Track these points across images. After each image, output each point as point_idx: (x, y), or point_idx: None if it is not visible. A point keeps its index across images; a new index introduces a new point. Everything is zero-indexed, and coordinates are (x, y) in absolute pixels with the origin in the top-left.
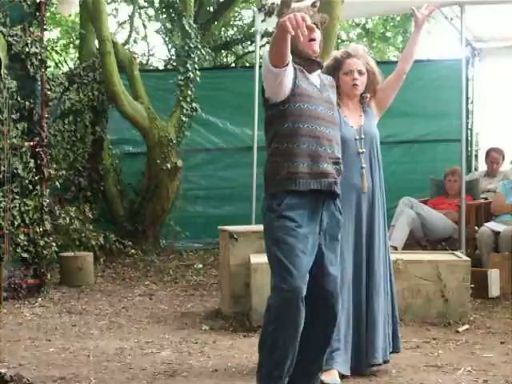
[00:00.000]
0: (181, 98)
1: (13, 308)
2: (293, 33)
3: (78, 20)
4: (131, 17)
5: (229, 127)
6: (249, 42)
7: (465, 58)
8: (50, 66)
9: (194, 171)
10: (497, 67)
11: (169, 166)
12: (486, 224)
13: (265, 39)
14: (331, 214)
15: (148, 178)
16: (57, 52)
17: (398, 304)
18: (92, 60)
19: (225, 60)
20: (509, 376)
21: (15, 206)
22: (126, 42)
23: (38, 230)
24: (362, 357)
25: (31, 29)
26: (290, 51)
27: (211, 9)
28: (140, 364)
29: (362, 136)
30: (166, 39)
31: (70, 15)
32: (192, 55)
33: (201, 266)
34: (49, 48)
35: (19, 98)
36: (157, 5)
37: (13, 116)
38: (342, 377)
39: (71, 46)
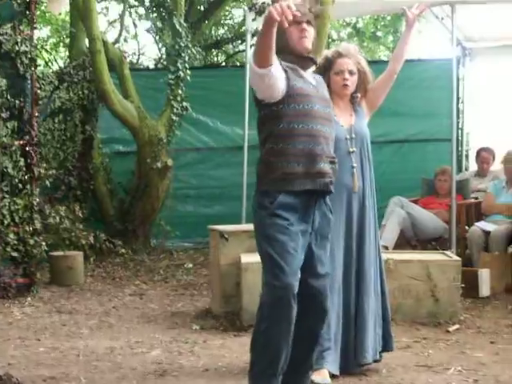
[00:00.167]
0: (171, 97)
1: (2, 307)
2: (278, 18)
3: (67, 18)
4: (121, 15)
5: (219, 126)
6: (239, 41)
7: (455, 58)
8: (39, 65)
9: (185, 170)
10: (487, 67)
11: (159, 165)
12: (476, 224)
13: (255, 38)
14: (323, 213)
15: (138, 177)
16: (47, 51)
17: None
18: (82, 59)
19: (215, 59)
20: (499, 375)
21: (5, 205)
22: (117, 41)
23: (27, 229)
24: (350, 356)
25: (21, 27)
26: (274, 50)
27: (202, 8)
28: (130, 364)
29: (353, 135)
30: (157, 38)
31: (59, 14)
32: (182, 54)
33: (191, 265)
34: (39, 47)
35: (9, 97)
36: (147, 4)
37: (2, 115)
38: (332, 376)
39: (61, 44)
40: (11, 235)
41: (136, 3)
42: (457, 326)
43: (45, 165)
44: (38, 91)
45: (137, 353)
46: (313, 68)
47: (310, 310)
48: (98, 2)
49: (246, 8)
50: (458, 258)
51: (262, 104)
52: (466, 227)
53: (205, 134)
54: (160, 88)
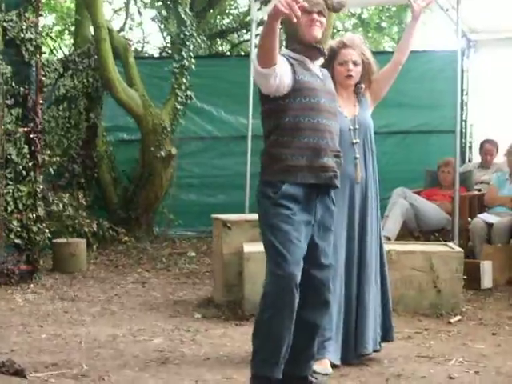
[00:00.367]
0: (175, 86)
1: (5, 294)
2: (287, 11)
3: (73, 6)
4: (126, 4)
5: (223, 115)
6: (244, 31)
7: (460, 50)
8: (44, 52)
9: (188, 159)
10: (492, 59)
11: (163, 153)
12: (479, 215)
13: (260, 28)
14: (325, 205)
15: (142, 166)
16: (52, 38)
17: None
18: (87, 46)
19: (220, 48)
20: (500, 367)
21: (8, 192)
22: (122, 29)
23: (31, 216)
24: (350, 347)
25: (26, 14)
26: (277, 49)
27: None
28: (132, 351)
29: (356, 126)
30: (162, 27)
31: (65, 1)
32: (187, 43)
33: (194, 254)
34: (44, 34)
35: (14, 84)
36: None
37: (7, 102)
38: (333, 366)
39: (66, 32)
40: (15, 222)
41: None
42: (458, 318)
43: (49, 152)
44: (43, 78)
45: (139, 340)
46: (321, 60)
47: (313, 301)
48: None
49: None
50: (460, 250)
51: (267, 98)
52: (469, 219)
53: (209, 123)
54: (164, 76)
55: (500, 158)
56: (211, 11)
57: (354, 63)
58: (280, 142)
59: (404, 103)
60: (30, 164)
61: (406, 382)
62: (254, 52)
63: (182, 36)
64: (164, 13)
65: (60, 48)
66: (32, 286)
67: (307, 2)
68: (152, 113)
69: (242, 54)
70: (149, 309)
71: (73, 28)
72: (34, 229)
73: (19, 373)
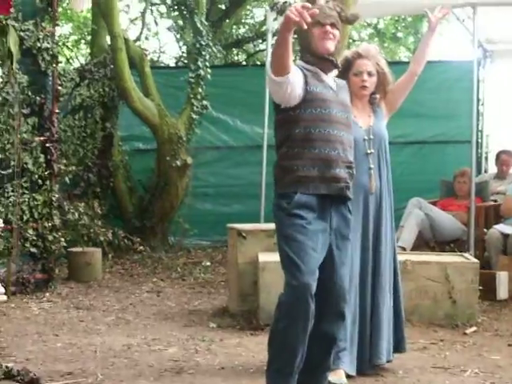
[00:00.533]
0: (191, 96)
1: (21, 302)
2: (297, 19)
3: (89, 16)
4: (143, 13)
5: (239, 125)
6: (260, 41)
7: (476, 60)
8: (61, 62)
9: (204, 169)
10: (508, 69)
11: (178, 163)
12: (495, 226)
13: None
14: (340, 213)
15: (157, 175)
16: (68, 47)
17: (404, 305)
18: (103, 56)
19: (236, 58)
20: None
21: (24, 201)
22: (138, 39)
23: (46, 225)
24: (365, 357)
25: (43, 24)
26: (291, 57)
27: (223, 6)
28: (147, 360)
29: (371, 137)
30: (178, 36)
31: (81, 11)
32: (203, 53)
33: (209, 263)
34: (60, 43)
35: (30, 93)
36: (169, 2)
37: (23, 111)
38: (348, 376)
39: (82, 41)
40: (30, 231)
41: (158, 1)
42: (474, 329)
43: (65, 161)
44: (59, 88)
45: (154, 350)
46: (335, 72)
47: (329, 312)
48: (120, 0)
49: (268, 7)
50: (476, 261)
51: (279, 108)
52: (485, 230)
53: (224, 133)
54: (180, 86)
55: None
56: (227, 21)
57: (369, 74)
58: (291, 154)
59: (420, 113)
60: (45, 173)
61: None
62: (268, 61)
63: (197, 46)
64: (180, 23)
65: (76, 57)
66: (47, 294)
67: (320, 15)
68: (168, 122)
69: (258, 63)
70: (164, 318)
71: (89, 37)
72: (50, 238)
73: (34, 382)
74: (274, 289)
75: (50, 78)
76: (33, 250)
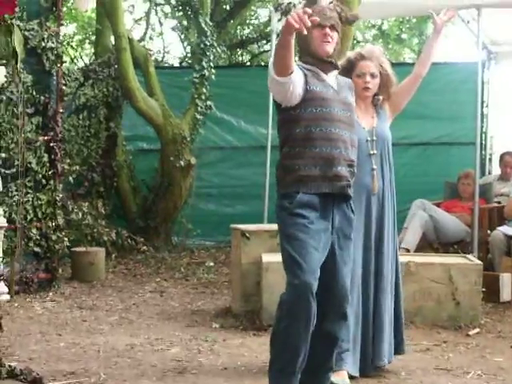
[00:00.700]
0: (195, 96)
1: (24, 302)
2: (297, 26)
3: (94, 16)
4: (147, 13)
5: (243, 126)
6: (264, 41)
7: (481, 61)
8: (65, 61)
9: (207, 169)
10: None
11: (182, 163)
12: (498, 228)
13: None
14: (343, 212)
15: (161, 175)
16: (72, 47)
17: (404, 306)
18: (107, 56)
19: (240, 58)
20: None
21: (28, 201)
22: (142, 39)
23: (50, 225)
24: (367, 359)
25: (48, 24)
26: (293, 58)
27: (227, 7)
28: (150, 360)
29: (374, 138)
30: (182, 37)
31: (86, 11)
32: (207, 53)
33: (212, 263)
34: (65, 43)
35: (34, 93)
36: (173, 2)
37: (28, 110)
38: (351, 377)
39: (87, 41)
40: (34, 230)
41: (162, 1)
42: (477, 330)
43: (68, 161)
44: (64, 87)
45: (157, 350)
46: (335, 72)
47: (332, 312)
48: (125, 0)
49: (272, 8)
50: (479, 262)
51: (280, 108)
52: (489, 231)
53: (228, 133)
54: (185, 86)
55: None
56: (231, 21)
57: (372, 75)
58: (292, 154)
59: (425, 115)
60: (49, 173)
61: None
62: (270, 62)
63: (202, 46)
64: (184, 23)
65: (81, 57)
66: (51, 294)
67: (320, 16)
68: (172, 122)
69: (262, 64)
70: (167, 318)
71: (93, 37)
72: (53, 237)
73: (37, 381)
74: (277, 289)
75: (55, 78)
76: (36, 249)
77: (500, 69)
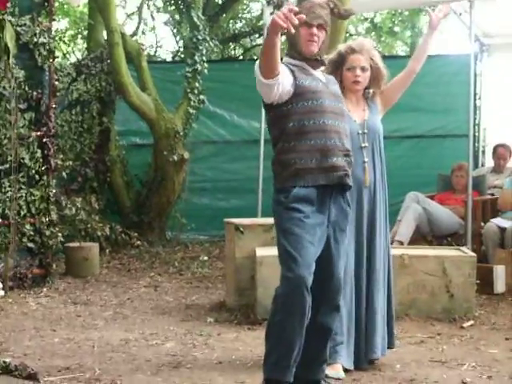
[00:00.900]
0: (188, 90)
1: (18, 298)
2: (285, 25)
3: (86, 11)
4: (139, 8)
5: (236, 120)
6: (257, 35)
7: (473, 54)
8: (57, 57)
9: (201, 163)
10: (505, 63)
11: (175, 157)
12: (492, 220)
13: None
14: (339, 206)
15: (154, 170)
16: (65, 42)
17: (399, 299)
18: (100, 51)
19: (233, 52)
20: None
21: (21, 196)
22: (134, 34)
23: (44, 220)
24: (361, 351)
25: (40, 19)
26: (279, 59)
27: (220, 1)
28: (144, 355)
29: (365, 131)
30: (174, 31)
31: (78, 6)
32: (200, 47)
33: (206, 258)
34: (57, 38)
35: (27, 88)
36: None
37: (20, 106)
38: (346, 370)
39: (79, 36)
40: (27, 226)
41: None
42: (471, 322)
43: (62, 156)
44: (56, 83)
45: (151, 344)
46: (322, 68)
47: (325, 304)
48: None
49: (264, 2)
50: (473, 254)
51: (271, 106)
52: (482, 223)
53: (221, 127)
54: (177, 81)
55: None
56: (224, 15)
57: (362, 69)
58: (287, 148)
59: (418, 107)
60: (42, 168)
61: None
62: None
63: (194, 40)
64: (177, 17)
65: (73, 52)
66: (45, 289)
67: (309, 14)
68: (165, 117)
69: (255, 58)
70: (161, 313)
71: (86, 32)
72: (47, 233)
73: (32, 377)
74: (271, 283)
75: (47, 73)
76: (30, 245)
77: (492, 61)
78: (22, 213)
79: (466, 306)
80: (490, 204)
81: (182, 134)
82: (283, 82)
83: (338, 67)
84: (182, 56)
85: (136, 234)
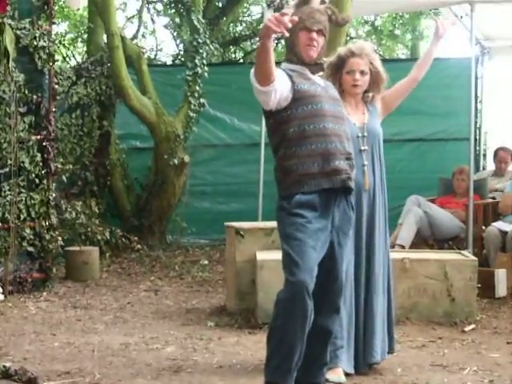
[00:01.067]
0: (188, 94)
1: (18, 302)
2: (277, 29)
3: (86, 14)
4: (139, 11)
5: (236, 123)
6: (257, 38)
7: (474, 57)
8: (57, 60)
9: (201, 167)
10: (506, 66)
11: (176, 161)
12: (493, 224)
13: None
14: (343, 210)
15: (155, 173)
16: (65, 46)
17: (400, 303)
18: (100, 54)
19: (233, 56)
20: None
21: (21, 200)
22: (135, 37)
23: (43, 224)
24: (359, 356)
25: (39, 22)
26: (274, 65)
27: (220, 4)
28: (145, 359)
29: (365, 134)
30: (175, 34)
31: (78, 9)
32: (200, 50)
33: (207, 262)
34: (57, 42)
35: (27, 92)
36: (165, 0)
37: (20, 109)
38: (347, 375)
39: (79, 39)
40: (27, 230)
41: None
42: (473, 326)
43: (62, 160)
44: (56, 86)
45: (151, 349)
46: (320, 72)
47: (326, 307)
48: None
49: (265, 5)
50: (474, 258)
51: (270, 112)
52: (483, 227)
53: (222, 131)
54: (177, 84)
55: None
56: (224, 19)
57: (362, 72)
58: (288, 154)
59: (418, 111)
60: (42, 172)
61: None
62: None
63: (194, 43)
64: (177, 20)
65: (73, 56)
66: (45, 294)
67: (308, 19)
68: (165, 120)
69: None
70: (161, 317)
71: (86, 36)
72: (47, 237)
73: (32, 381)
74: (272, 287)
75: (47, 77)
76: (30, 249)
77: (493, 64)
78: (22, 217)
79: (467, 310)
80: (492, 207)
81: (182, 137)
82: (281, 88)
83: (338, 70)
84: (183, 59)
85: (136, 238)
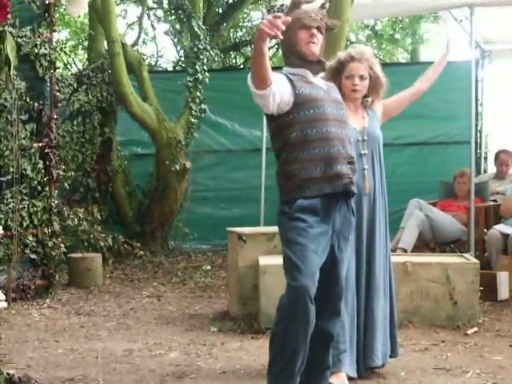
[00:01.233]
0: (189, 100)
1: (21, 309)
2: (270, 32)
3: (86, 21)
4: (140, 18)
5: (237, 129)
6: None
7: (474, 60)
8: (58, 67)
9: (203, 173)
10: (506, 69)
11: (177, 167)
12: (495, 226)
13: (274, 41)
14: (343, 214)
15: (156, 180)
16: (66, 53)
17: (402, 306)
18: (101, 61)
19: (234, 61)
20: None
21: (24, 207)
22: (135, 43)
23: (46, 231)
24: (360, 359)
25: (40, 30)
26: (270, 69)
27: (220, 10)
28: (148, 366)
29: (365, 138)
30: (175, 40)
31: (78, 16)
32: (201, 56)
33: (209, 267)
34: (58, 49)
35: (28, 99)
36: (166, 6)
37: (22, 117)
38: (350, 379)
39: (80, 47)
40: (30, 237)
41: (155, 5)
42: (475, 329)
43: (63, 167)
44: (57, 93)
45: (155, 355)
46: (322, 74)
47: (328, 311)
48: (117, 5)
49: (265, 10)
50: (476, 261)
51: (272, 116)
52: (485, 230)
53: (223, 136)
54: (178, 90)
55: None
56: (224, 24)
57: (361, 77)
58: (291, 159)
59: (419, 114)
60: (44, 179)
61: None
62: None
63: (195, 49)
64: (177, 27)
65: (74, 63)
66: (48, 301)
67: (306, 18)
68: (166, 127)
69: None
70: (165, 323)
71: (86, 43)
72: (50, 244)
73: None
74: (274, 292)
75: (48, 84)
76: (33, 256)
77: (494, 67)
78: (25, 224)
79: (469, 313)
80: (493, 210)
81: (183, 143)
82: (280, 92)
83: (337, 75)
84: (183, 65)
85: (139, 244)
